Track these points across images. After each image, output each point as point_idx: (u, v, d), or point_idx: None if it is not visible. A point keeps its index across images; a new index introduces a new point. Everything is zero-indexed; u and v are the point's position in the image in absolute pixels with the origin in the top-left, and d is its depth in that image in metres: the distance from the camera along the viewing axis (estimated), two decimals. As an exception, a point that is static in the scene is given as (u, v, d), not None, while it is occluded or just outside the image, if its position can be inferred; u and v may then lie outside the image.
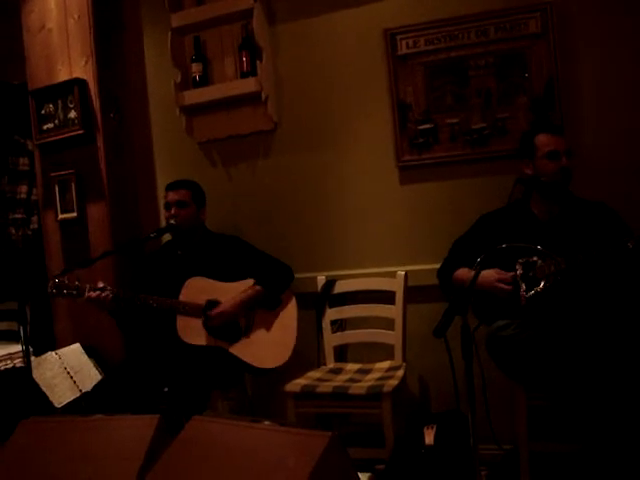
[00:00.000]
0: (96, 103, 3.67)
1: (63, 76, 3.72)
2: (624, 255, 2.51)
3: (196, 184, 3.33)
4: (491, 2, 3.16)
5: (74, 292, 2.97)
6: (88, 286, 2.98)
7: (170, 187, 3.28)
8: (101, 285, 2.98)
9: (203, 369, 2.97)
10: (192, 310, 3.05)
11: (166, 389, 2.86)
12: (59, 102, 3.71)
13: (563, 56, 3.07)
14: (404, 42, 3.30)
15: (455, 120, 3.24)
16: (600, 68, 3.05)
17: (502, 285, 2.65)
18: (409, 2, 3.32)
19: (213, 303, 3.08)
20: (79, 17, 3.67)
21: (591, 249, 2.55)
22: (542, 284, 2.62)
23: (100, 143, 3.68)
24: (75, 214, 3.71)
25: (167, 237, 3.41)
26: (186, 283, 3.09)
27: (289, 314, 3.18)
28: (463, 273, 2.78)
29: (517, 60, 3.14)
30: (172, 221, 3.18)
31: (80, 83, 3.64)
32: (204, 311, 3.05)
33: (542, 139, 2.76)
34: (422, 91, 3.28)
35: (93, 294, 2.94)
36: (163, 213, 3.36)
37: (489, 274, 2.68)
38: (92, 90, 3.67)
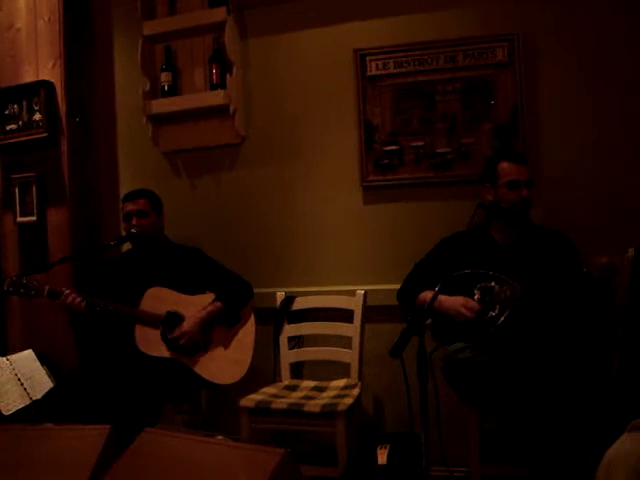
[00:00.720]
0: (62, 106, 3.64)
1: (29, 77, 3.67)
2: (578, 281, 2.57)
3: (153, 193, 3.30)
4: (461, 30, 3.23)
5: (32, 292, 2.93)
6: (47, 287, 2.94)
7: (128, 198, 3.24)
8: (67, 292, 2.94)
9: (158, 381, 2.93)
10: (151, 320, 3.01)
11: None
12: (24, 103, 3.66)
13: (528, 86, 3.14)
14: (374, 63, 3.34)
15: (420, 143, 3.28)
16: (562, 99, 3.13)
17: (464, 311, 2.68)
18: (380, 24, 3.37)
19: (173, 315, 3.06)
20: (49, 19, 3.64)
21: (546, 275, 2.60)
22: (497, 309, 2.67)
23: (64, 147, 3.63)
24: (35, 218, 3.65)
25: (127, 246, 3.38)
26: (147, 293, 3.06)
27: (247, 331, 3.17)
28: (427, 296, 2.80)
29: (484, 87, 3.20)
30: (133, 230, 3.15)
31: (47, 85, 3.60)
32: (163, 323, 3.03)
33: (505, 167, 2.80)
34: (389, 113, 3.32)
35: (69, 299, 2.90)
36: (123, 225, 3.30)
37: (456, 299, 2.71)
38: (59, 93, 3.63)
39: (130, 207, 3.20)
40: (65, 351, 3.55)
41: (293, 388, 3.20)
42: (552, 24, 3.13)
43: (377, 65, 3.33)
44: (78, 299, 2.93)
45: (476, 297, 2.72)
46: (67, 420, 2.39)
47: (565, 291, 2.62)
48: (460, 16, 3.25)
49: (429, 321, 2.75)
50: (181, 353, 3.02)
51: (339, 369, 3.26)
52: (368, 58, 3.34)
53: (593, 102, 3.09)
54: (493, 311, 2.69)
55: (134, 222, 3.16)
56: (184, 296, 3.12)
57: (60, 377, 3.41)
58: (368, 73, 3.35)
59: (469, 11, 3.24)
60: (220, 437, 1.93)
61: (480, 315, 2.68)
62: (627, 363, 2.14)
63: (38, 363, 3.44)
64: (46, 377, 3.40)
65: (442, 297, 2.71)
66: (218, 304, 3.10)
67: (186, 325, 3.03)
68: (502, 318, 2.66)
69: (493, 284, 2.71)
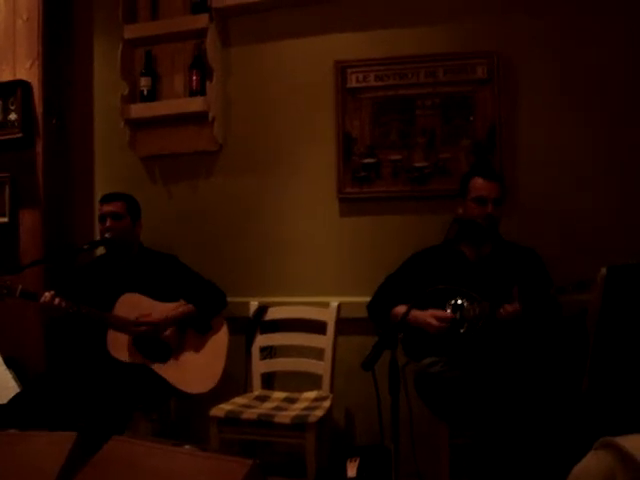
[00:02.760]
0: (39, 107, 3.61)
1: (6, 76, 3.64)
2: (546, 303, 2.60)
3: (131, 197, 3.27)
4: (441, 45, 3.26)
5: (4, 291, 2.89)
6: (20, 287, 2.90)
7: (104, 199, 3.22)
8: (52, 292, 2.91)
9: (128, 388, 2.90)
10: (124, 325, 2.98)
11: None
12: (-1, 102, 3.63)
13: (506, 103, 3.18)
14: (354, 76, 3.35)
15: (398, 157, 3.29)
16: (540, 117, 3.18)
17: (434, 322, 2.68)
18: (362, 37, 3.39)
19: (145, 320, 3.04)
20: (28, 19, 3.61)
21: (514, 296, 2.62)
22: (465, 326, 2.68)
23: (39, 148, 3.60)
24: (7, 219, 3.61)
25: (101, 250, 3.34)
26: (120, 298, 3.04)
27: (220, 341, 3.14)
28: (401, 310, 2.81)
29: (463, 103, 3.23)
30: (107, 235, 3.12)
31: (24, 85, 3.57)
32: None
33: (475, 183, 2.84)
34: (368, 126, 3.34)
35: (48, 298, 2.87)
36: (98, 226, 3.27)
37: (427, 311, 2.72)
38: (36, 94, 3.60)
39: (106, 208, 3.17)
40: (33, 355, 3.50)
41: (264, 399, 3.19)
42: (531, 43, 3.17)
43: (357, 77, 3.34)
44: (57, 299, 2.90)
45: (448, 312, 2.74)
46: (33, 426, 2.35)
47: (534, 311, 2.64)
48: (441, 32, 3.28)
49: (401, 335, 2.76)
50: (152, 359, 3.00)
51: (311, 381, 3.25)
52: (349, 70, 3.35)
53: (571, 121, 3.13)
54: (462, 328, 2.71)
55: (108, 224, 3.13)
56: (158, 303, 3.10)
57: (27, 381, 3.36)
58: (348, 85, 3.36)
59: (450, 28, 3.27)
60: (188, 446, 1.90)
61: (452, 327, 2.69)
62: (597, 381, 2.15)
63: (4, 367, 3.38)
64: (12, 381, 3.34)
65: (414, 311, 2.72)
66: (190, 306, 3.09)
67: (155, 315, 3.02)
68: (470, 336, 2.68)
69: (465, 301, 2.73)
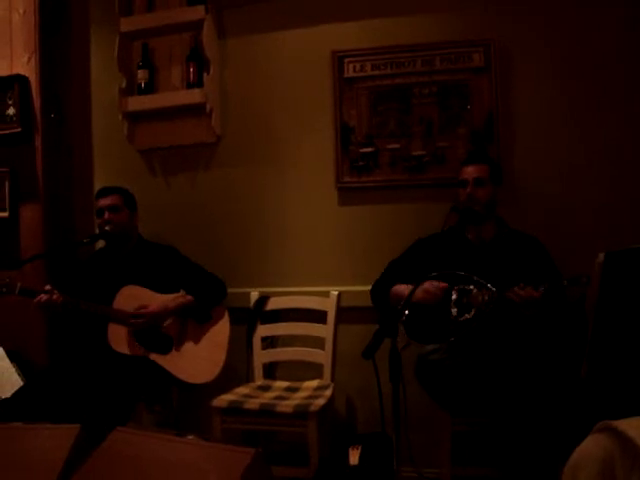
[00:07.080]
0: (37, 102, 3.60)
1: (3, 71, 3.62)
2: (558, 293, 2.60)
3: (126, 190, 3.28)
4: (438, 34, 3.26)
5: (4, 289, 2.91)
6: (19, 284, 2.91)
7: (101, 193, 3.23)
8: (48, 287, 2.92)
9: (130, 380, 2.92)
10: (124, 318, 3.00)
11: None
12: (-3, 97, 3.62)
13: (503, 91, 3.18)
14: (351, 65, 3.35)
15: (396, 146, 3.30)
16: (537, 105, 3.18)
17: (432, 288, 2.69)
18: (358, 26, 3.39)
19: (145, 312, 3.05)
20: (24, 12, 3.60)
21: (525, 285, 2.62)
22: (473, 312, 2.68)
23: (38, 143, 3.60)
24: (7, 214, 3.60)
25: (101, 244, 3.35)
26: (120, 291, 3.05)
27: (221, 331, 3.16)
28: (400, 288, 2.82)
29: (460, 92, 3.23)
30: (107, 228, 3.13)
31: (21, 80, 3.56)
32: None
33: (462, 169, 2.91)
34: (366, 115, 3.34)
35: (44, 297, 2.88)
36: (96, 220, 3.27)
37: (423, 284, 2.73)
38: (34, 88, 3.59)
39: (103, 202, 3.18)
40: (36, 348, 3.51)
41: (266, 388, 3.20)
42: (528, 32, 3.17)
43: (354, 67, 3.34)
44: (56, 295, 2.91)
45: (453, 298, 2.74)
46: (36, 419, 2.36)
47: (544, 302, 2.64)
48: (437, 21, 3.28)
49: (405, 314, 2.73)
50: (154, 350, 3.01)
51: (312, 370, 3.27)
52: (346, 60, 3.35)
53: (567, 108, 3.14)
54: (468, 314, 2.71)
55: (106, 217, 3.14)
56: (158, 295, 3.11)
57: (31, 375, 3.38)
58: (345, 75, 3.36)
59: (446, 16, 3.27)
60: (191, 437, 1.92)
61: (445, 301, 2.70)
62: (596, 366, 2.17)
63: (7, 361, 3.39)
64: (15, 375, 3.35)
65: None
66: (188, 297, 3.10)
67: (152, 307, 3.03)
68: (476, 322, 2.68)
69: (471, 287, 2.73)
